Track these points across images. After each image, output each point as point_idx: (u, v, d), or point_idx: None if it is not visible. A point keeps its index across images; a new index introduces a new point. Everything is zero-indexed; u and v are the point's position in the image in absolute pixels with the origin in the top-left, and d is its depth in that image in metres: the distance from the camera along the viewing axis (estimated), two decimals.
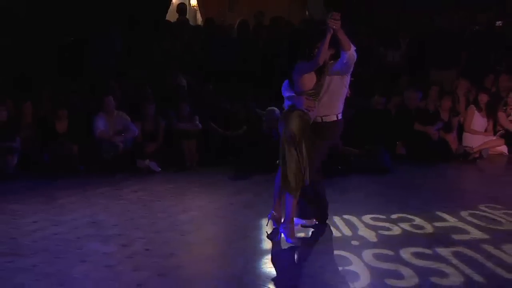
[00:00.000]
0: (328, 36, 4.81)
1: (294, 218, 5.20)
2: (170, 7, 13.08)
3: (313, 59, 4.89)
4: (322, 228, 5.56)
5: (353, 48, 4.99)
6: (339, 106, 5.29)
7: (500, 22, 12.78)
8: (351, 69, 5.18)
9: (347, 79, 5.26)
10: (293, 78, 5.07)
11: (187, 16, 12.55)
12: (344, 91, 5.29)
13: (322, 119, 5.20)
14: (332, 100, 5.22)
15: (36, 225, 5.88)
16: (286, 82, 5.24)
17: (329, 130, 5.27)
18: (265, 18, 11.94)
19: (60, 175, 8.22)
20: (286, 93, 5.21)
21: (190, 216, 6.21)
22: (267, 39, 11.34)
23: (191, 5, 16.23)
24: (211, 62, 10.78)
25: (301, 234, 5.41)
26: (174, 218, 6.12)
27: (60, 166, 8.47)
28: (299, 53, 5.04)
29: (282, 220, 5.23)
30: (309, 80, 5.00)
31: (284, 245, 5.10)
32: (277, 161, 5.26)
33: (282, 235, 5.15)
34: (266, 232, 5.39)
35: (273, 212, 5.37)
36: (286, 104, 5.21)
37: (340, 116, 5.30)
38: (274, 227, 5.39)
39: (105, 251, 5.03)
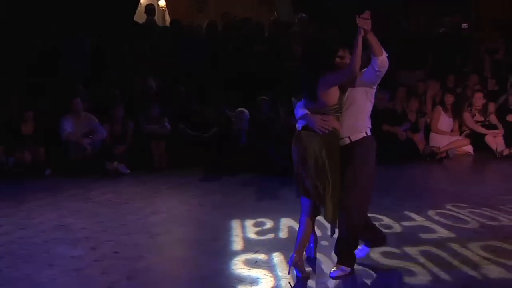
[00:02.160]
0: (360, 38, 4.17)
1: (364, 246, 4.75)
2: (138, 8, 12.99)
3: (347, 68, 4.27)
4: (292, 229, 5.60)
5: (385, 53, 4.33)
6: (367, 122, 4.54)
7: (465, 24, 13.03)
8: (380, 80, 4.48)
9: (373, 92, 4.54)
10: (317, 93, 4.32)
11: (156, 17, 12.48)
12: (370, 105, 4.56)
13: (350, 139, 4.46)
14: (358, 116, 4.48)
15: (1, 229, 5.77)
16: (300, 102, 4.53)
17: (363, 149, 4.46)
18: (233, 19, 11.93)
19: (28, 178, 8.10)
20: (299, 112, 4.48)
21: (159, 218, 6.18)
22: (237, 39, 11.34)
23: (160, 6, 16.16)
24: (179, 63, 10.74)
25: (271, 235, 5.43)
26: (143, 220, 6.08)
27: (26, 169, 8.34)
28: (321, 64, 4.34)
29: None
30: (334, 93, 4.33)
31: (253, 247, 5.10)
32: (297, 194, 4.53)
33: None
34: (289, 284, 4.32)
35: (295, 255, 4.41)
36: (300, 124, 4.48)
37: (369, 132, 4.53)
38: (297, 275, 4.44)
39: (73, 255, 4.96)
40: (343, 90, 4.41)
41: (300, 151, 4.38)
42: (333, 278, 4.40)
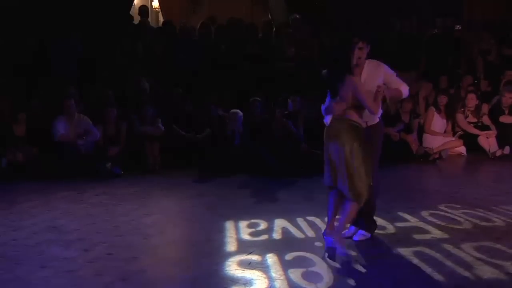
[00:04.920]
0: (380, 96, 5.00)
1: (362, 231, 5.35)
2: (132, 9, 12.96)
3: (369, 106, 4.92)
4: (286, 230, 5.60)
5: (405, 90, 5.37)
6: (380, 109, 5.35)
7: (459, 26, 13.09)
8: None
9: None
10: (338, 90, 4.88)
11: (149, 18, 12.46)
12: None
13: (367, 124, 5.24)
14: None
15: None
16: (327, 100, 5.10)
17: (376, 132, 5.40)
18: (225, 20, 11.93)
19: (20, 180, 8.06)
20: (324, 107, 5.21)
21: (153, 219, 6.16)
22: (230, 40, 11.34)
23: (153, 7, 16.13)
24: (173, 64, 10.73)
25: (265, 236, 5.43)
26: (136, 222, 6.06)
27: (19, 170, 8.30)
28: (344, 68, 4.88)
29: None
30: (352, 95, 4.90)
31: (247, 248, 5.10)
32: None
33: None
34: (326, 252, 4.84)
35: (328, 229, 4.95)
36: (326, 119, 5.13)
37: (380, 118, 5.45)
38: (330, 246, 4.84)
39: (66, 256, 4.94)
40: None
41: (328, 144, 4.93)
42: (356, 241, 5.22)
